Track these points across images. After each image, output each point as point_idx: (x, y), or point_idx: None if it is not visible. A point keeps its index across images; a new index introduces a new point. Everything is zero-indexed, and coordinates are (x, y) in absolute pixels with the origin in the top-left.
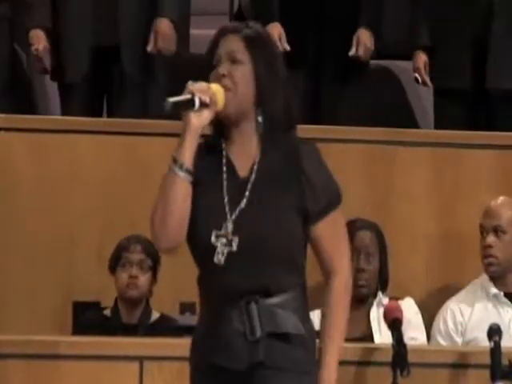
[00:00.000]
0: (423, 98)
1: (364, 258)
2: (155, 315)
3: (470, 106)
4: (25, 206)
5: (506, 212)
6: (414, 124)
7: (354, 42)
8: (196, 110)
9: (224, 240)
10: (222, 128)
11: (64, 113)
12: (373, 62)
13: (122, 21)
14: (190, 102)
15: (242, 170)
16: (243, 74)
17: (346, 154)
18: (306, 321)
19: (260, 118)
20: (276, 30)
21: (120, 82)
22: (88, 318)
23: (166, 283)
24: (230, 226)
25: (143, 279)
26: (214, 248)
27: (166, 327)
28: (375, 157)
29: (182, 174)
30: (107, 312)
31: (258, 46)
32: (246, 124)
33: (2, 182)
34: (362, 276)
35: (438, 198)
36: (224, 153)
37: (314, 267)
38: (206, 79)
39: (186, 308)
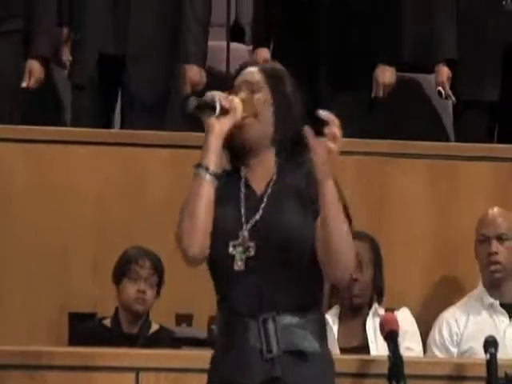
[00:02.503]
0: (439, 111)
1: (357, 267)
2: (155, 327)
3: (493, 118)
4: (20, 216)
5: (504, 220)
6: (430, 136)
7: (375, 82)
8: (217, 116)
9: (241, 248)
10: (238, 158)
11: (73, 114)
12: None
13: (132, 35)
14: (212, 107)
15: (259, 189)
16: (262, 99)
17: (342, 165)
18: (324, 341)
19: (278, 144)
20: (263, 54)
21: (128, 101)
22: (87, 328)
23: (162, 295)
24: (245, 234)
25: (150, 295)
26: (232, 258)
27: (164, 339)
28: (371, 168)
29: (208, 176)
30: (107, 322)
31: (275, 76)
32: (265, 150)
33: None
34: (355, 286)
35: (434, 210)
36: (242, 176)
37: None
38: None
39: (181, 320)
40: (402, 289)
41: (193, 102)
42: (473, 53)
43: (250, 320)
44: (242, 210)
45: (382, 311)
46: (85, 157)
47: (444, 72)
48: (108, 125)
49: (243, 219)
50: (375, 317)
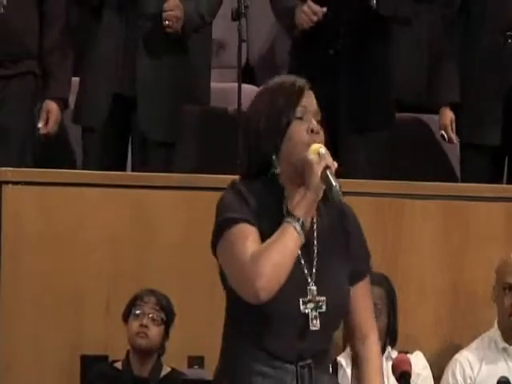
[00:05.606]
0: (447, 152)
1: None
2: (166, 369)
3: (497, 161)
4: (32, 259)
5: None
6: (438, 178)
7: None
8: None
9: (312, 304)
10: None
11: (84, 156)
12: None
13: (139, 73)
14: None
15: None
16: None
17: (354, 206)
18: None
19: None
20: None
21: (140, 139)
22: (99, 370)
23: (173, 337)
24: (313, 289)
25: (154, 331)
26: (304, 315)
27: (176, 381)
28: (383, 209)
29: (302, 235)
30: (118, 365)
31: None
32: None
33: (10, 235)
34: None
35: (447, 251)
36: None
37: None
38: (226, 131)
39: (194, 362)
40: (415, 332)
41: (340, 192)
42: (474, 96)
43: (288, 365)
44: (302, 261)
45: (394, 354)
46: (96, 199)
47: (447, 115)
48: (123, 166)
49: (306, 271)
50: (388, 360)
